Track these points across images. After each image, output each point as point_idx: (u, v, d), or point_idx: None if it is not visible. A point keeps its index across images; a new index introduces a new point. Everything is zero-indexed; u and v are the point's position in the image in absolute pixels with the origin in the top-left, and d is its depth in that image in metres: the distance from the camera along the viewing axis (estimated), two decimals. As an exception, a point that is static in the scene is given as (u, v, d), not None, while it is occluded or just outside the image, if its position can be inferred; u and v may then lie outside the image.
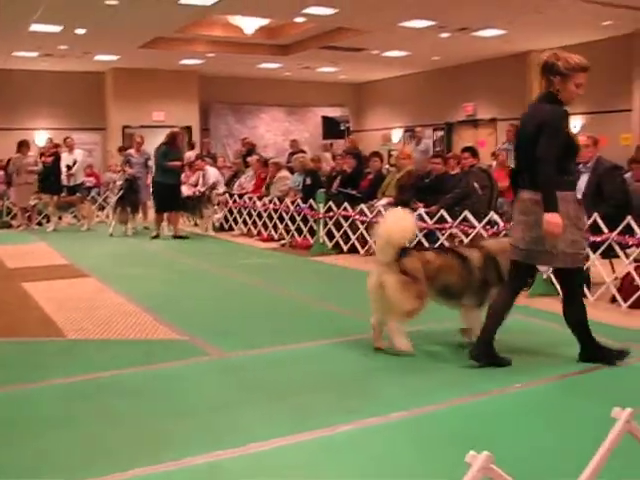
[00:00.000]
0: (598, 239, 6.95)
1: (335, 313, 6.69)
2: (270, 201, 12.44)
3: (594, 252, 6.98)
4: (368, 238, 10.24)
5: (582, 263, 4.69)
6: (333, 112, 23.68)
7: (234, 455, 3.35)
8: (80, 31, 15.19)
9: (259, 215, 12.84)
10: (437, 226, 9.01)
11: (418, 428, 3.73)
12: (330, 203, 10.81)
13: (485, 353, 4.70)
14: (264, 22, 15.67)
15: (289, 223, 11.86)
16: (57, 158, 14.96)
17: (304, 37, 17.09)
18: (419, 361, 4.95)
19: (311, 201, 11.21)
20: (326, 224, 10.89)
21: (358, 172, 11.70)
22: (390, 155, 20.08)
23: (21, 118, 20.42)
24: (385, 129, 23.86)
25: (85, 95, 20.97)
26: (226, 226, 14.07)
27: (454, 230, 8.81)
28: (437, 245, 8.36)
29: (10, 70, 19.85)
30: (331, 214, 10.74)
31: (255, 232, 12.99)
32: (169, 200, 12.54)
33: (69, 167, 14.80)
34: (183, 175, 15.40)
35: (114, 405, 4.14)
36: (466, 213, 8.61)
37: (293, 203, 11.75)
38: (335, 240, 10.81)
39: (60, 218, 14.84)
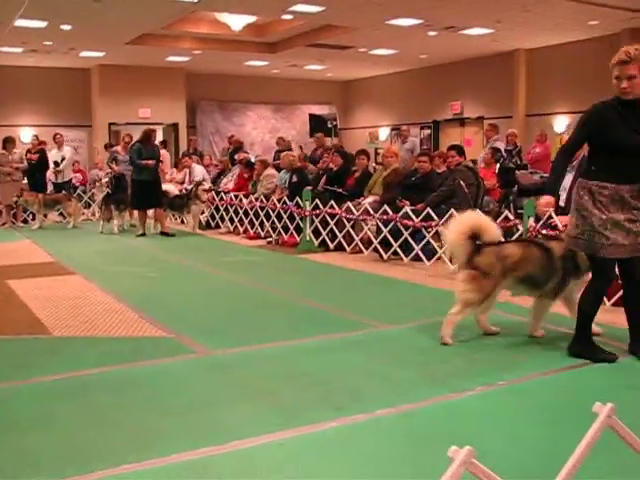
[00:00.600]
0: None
1: (321, 310, 6.69)
2: (257, 199, 12.44)
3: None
4: (354, 235, 10.26)
5: (591, 250, 4.73)
6: (320, 110, 23.70)
7: (220, 453, 3.36)
8: (65, 27, 15.12)
9: (245, 213, 12.83)
10: (423, 224, 9.03)
11: (404, 425, 3.74)
12: (316, 201, 10.82)
13: (586, 349, 4.84)
14: (251, 19, 15.64)
15: (275, 221, 11.86)
16: (43, 155, 14.89)
17: (291, 34, 17.09)
18: (404, 358, 4.97)
19: (297, 199, 11.21)
20: (312, 222, 10.90)
21: (344, 170, 11.70)
22: (377, 153, 20.15)
23: (6, 114, 20.31)
24: (372, 127, 23.92)
25: (71, 92, 20.88)
26: (213, 224, 14.06)
27: (440, 228, 8.83)
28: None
29: (-6, 65, 19.77)
30: (317, 212, 10.75)
31: (242, 230, 12.99)
32: (148, 197, 12.55)
33: (57, 164, 14.73)
34: (169, 173, 15.40)
35: (100, 403, 4.13)
36: (452, 211, 8.63)
37: (280, 201, 11.75)
38: (321, 238, 10.82)
39: (46, 216, 14.76)
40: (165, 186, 13.65)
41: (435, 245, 9.05)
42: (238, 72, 21.96)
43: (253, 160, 14.56)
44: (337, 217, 10.48)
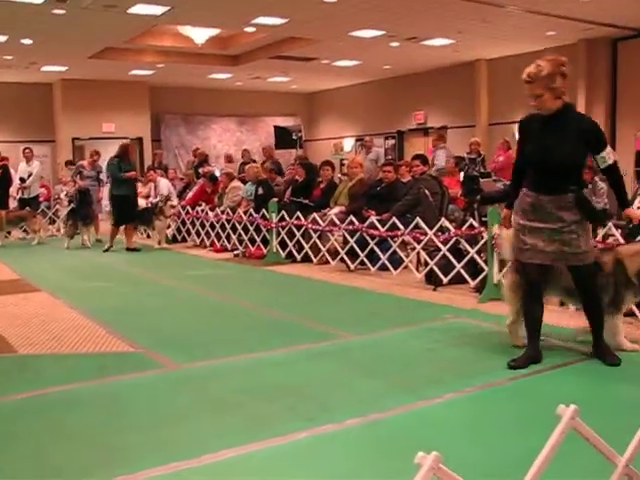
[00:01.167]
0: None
1: (289, 321, 6.70)
2: (222, 211, 12.42)
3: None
4: (321, 246, 10.30)
5: (514, 253, 5.03)
6: (285, 122, 23.73)
7: (190, 467, 3.35)
8: (26, 41, 14.99)
9: (212, 226, 12.80)
10: (389, 233, 9.09)
11: (373, 434, 3.77)
12: (283, 212, 10.84)
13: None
14: (214, 32, 15.65)
15: (242, 233, 11.85)
16: (5, 171, 14.71)
17: (254, 47, 17.12)
18: (372, 367, 5.00)
19: (264, 211, 11.22)
20: (279, 234, 10.91)
21: (310, 181, 11.74)
22: (342, 164, 20.23)
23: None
24: (337, 138, 24.03)
25: (33, 106, 20.67)
26: (179, 237, 14.00)
27: (406, 237, 8.91)
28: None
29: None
30: (284, 223, 10.77)
31: (208, 243, 12.95)
32: (127, 212, 12.48)
33: (23, 180, 14.57)
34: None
35: (67, 420, 4.09)
36: (418, 220, 8.71)
37: (246, 213, 11.74)
38: (288, 249, 10.84)
39: (9, 233, 14.58)
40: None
41: (401, 254, 9.12)
42: (202, 85, 21.94)
43: (218, 173, 14.55)
44: (303, 228, 10.50)
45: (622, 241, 6.48)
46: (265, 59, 17.61)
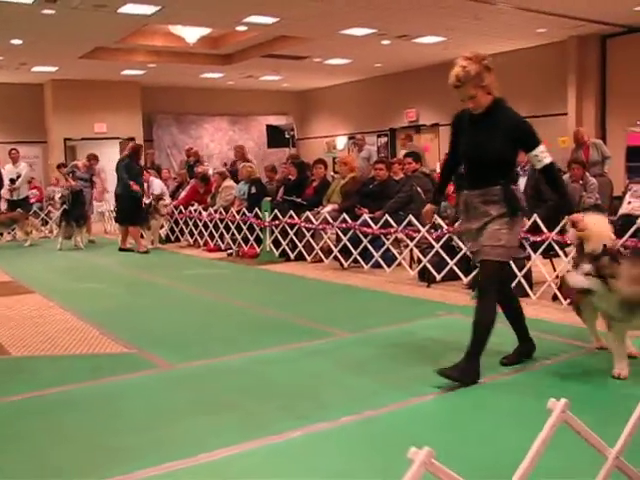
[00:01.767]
0: (538, 239, 7.15)
1: (282, 320, 6.72)
2: (216, 211, 12.42)
3: (535, 252, 7.18)
4: (314, 245, 10.31)
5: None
6: (277, 120, 23.71)
7: (185, 466, 3.36)
8: (16, 41, 14.94)
9: (205, 225, 12.81)
10: (382, 231, 9.11)
11: (367, 431, 3.78)
12: (276, 211, 10.85)
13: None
14: (205, 31, 15.63)
15: (235, 232, 11.86)
16: (-1, 173, 14.71)
17: (246, 46, 17.10)
18: (366, 365, 5.01)
19: (257, 210, 11.22)
20: (272, 232, 10.92)
21: (302, 180, 11.75)
22: (335, 162, 20.23)
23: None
24: (330, 136, 24.02)
25: (24, 107, 20.59)
26: (172, 237, 13.99)
27: (399, 235, 8.93)
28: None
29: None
30: (277, 222, 10.78)
31: (202, 243, 12.95)
32: (132, 212, 12.45)
33: (13, 181, 14.53)
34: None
35: (63, 421, 4.10)
36: (410, 217, 8.73)
37: (239, 212, 11.75)
38: (282, 248, 10.85)
39: (1, 235, 14.54)
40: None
41: (394, 251, 9.14)
42: (194, 84, 21.90)
43: (211, 172, 14.55)
44: (297, 227, 10.52)
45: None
46: (257, 58, 17.59)
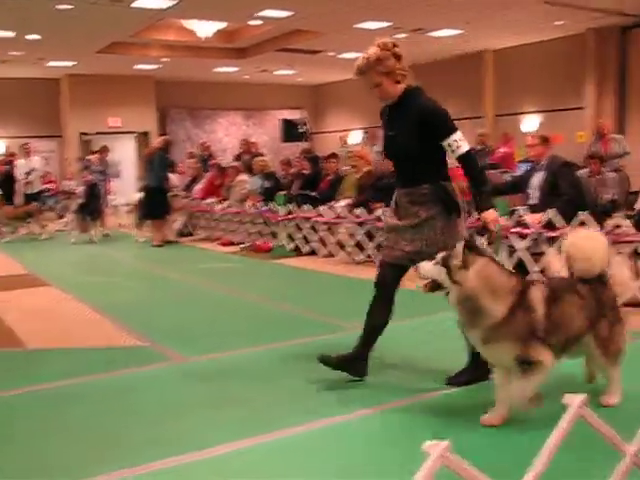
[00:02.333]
0: (554, 234, 7.09)
1: (295, 314, 6.71)
2: (230, 205, 12.43)
3: (551, 246, 7.13)
4: (328, 239, 10.29)
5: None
6: (291, 115, 23.71)
7: (193, 460, 3.37)
8: (33, 37, 15.00)
9: (219, 219, 12.82)
10: (396, 226, 9.06)
11: (380, 424, 3.77)
12: (290, 205, 10.83)
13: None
14: (220, 25, 15.61)
15: (249, 226, 11.86)
16: (12, 167, 14.77)
17: (261, 40, 17.08)
18: (380, 358, 4.98)
19: (271, 204, 11.22)
20: (286, 227, 10.91)
21: (316, 174, 11.73)
22: (349, 156, 20.18)
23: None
24: (344, 130, 23.96)
25: (41, 102, 20.68)
26: (186, 231, 14.01)
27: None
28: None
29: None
30: (291, 216, 10.77)
31: (216, 237, 12.96)
32: (160, 205, 12.46)
33: (27, 174, 14.58)
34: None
35: (74, 414, 4.11)
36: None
37: (253, 206, 11.74)
38: (295, 242, 10.84)
39: (17, 228, 14.58)
40: (138, 194, 13.57)
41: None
42: (208, 79, 21.91)
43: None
44: (311, 221, 10.50)
45: (633, 231, 6.45)
46: (271, 52, 17.57)
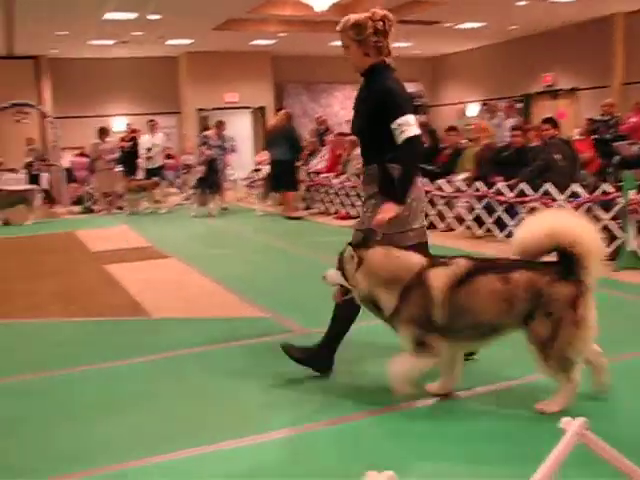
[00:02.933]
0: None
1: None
2: (347, 179, 12.41)
3: None
4: (447, 213, 10.11)
5: None
6: (407, 87, 23.34)
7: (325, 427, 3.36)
8: (154, 17, 15.37)
9: (336, 193, 12.83)
10: (517, 200, 8.80)
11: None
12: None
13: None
14: (336, -1, 15.51)
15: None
16: (135, 143, 15.27)
17: (375, 12, 16.84)
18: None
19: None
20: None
21: (434, 147, 11.52)
22: (467, 129, 19.77)
23: (100, 105, 20.87)
24: (461, 103, 23.46)
25: (161, 80, 21.26)
26: (303, 205, 14.09)
27: (535, 204, 8.59)
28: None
29: (86, 59, 20.32)
30: (408, 190, 10.62)
31: (332, 210, 12.98)
32: (290, 178, 12.66)
33: (149, 149, 15.02)
34: (257, 156, 15.58)
35: (196, 381, 4.21)
36: (547, 186, 8.38)
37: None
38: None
39: (138, 202, 15.07)
40: (263, 168, 13.78)
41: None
42: (324, 53, 21.84)
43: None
44: (428, 195, 10.34)
45: None
46: (387, 24, 17.32)
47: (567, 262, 3.42)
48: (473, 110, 22.91)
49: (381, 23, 4.06)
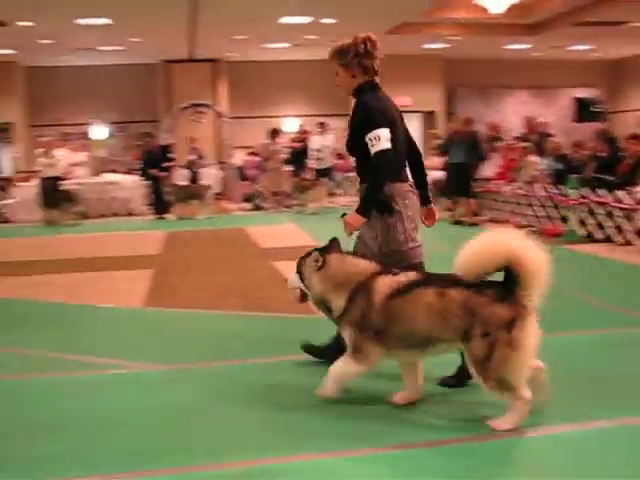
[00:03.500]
0: None
1: (585, 303, 6.33)
2: (519, 187, 12.02)
3: None
4: (625, 226, 9.54)
5: None
6: (584, 93, 22.38)
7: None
8: (328, 20, 15.58)
9: (506, 201, 12.46)
10: None
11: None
12: (582, 189, 10.21)
13: None
14: (513, 0, 15.04)
15: (538, 209, 11.37)
16: (305, 144, 15.56)
17: (555, 14, 16.19)
18: None
19: (561, 187, 10.67)
20: (578, 211, 10.30)
21: (614, 157, 10.91)
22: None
23: (271, 106, 21.48)
24: (643, 110, 22.15)
25: (331, 82, 21.43)
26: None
27: None
28: None
29: (260, 61, 20.95)
30: (584, 201, 10.14)
31: (502, 218, 12.58)
32: (469, 183, 12.41)
33: (318, 150, 15.24)
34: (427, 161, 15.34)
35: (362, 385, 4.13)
36: None
37: (542, 189, 11.24)
38: (588, 228, 10.19)
39: (306, 201, 15.30)
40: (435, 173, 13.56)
41: None
42: (498, 56, 21.34)
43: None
44: (606, 206, 9.80)
45: None
46: (567, 26, 16.60)
47: (510, 283, 3.45)
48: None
49: (362, 46, 4.26)
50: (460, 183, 12.28)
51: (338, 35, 15.51)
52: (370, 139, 3.99)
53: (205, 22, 15.12)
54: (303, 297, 3.98)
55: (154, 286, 7.55)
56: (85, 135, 21.69)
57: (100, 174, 17.87)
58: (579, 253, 9.30)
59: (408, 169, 4.30)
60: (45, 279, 8.23)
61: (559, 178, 11.14)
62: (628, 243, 9.50)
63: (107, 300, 6.87)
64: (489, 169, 13.72)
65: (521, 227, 11.68)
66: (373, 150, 3.99)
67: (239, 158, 18.26)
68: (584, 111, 18.12)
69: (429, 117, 21.78)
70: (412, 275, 3.70)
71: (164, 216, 14.58)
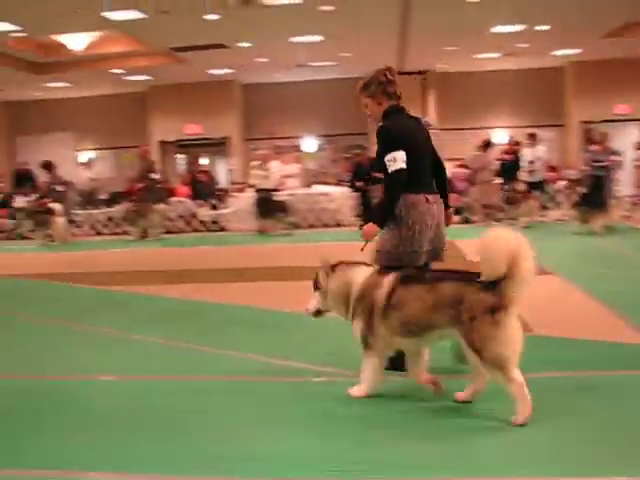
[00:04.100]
0: None
1: None
2: None
3: None
4: None
5: None
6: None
7: None
8: (542, 27, 15.14)
9: None
10: None
11: None
12: None
13: None
14: None
15: None
16: (517, 156, 15.10)
17: None
18: None
19: None
20: None
21: None
22: None
23: (479, 117, 21.17)
24: None
25: (543, 91, 20.83)
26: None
27: None
28: None
29: (469, 72, 20.74)
30: None
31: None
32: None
33: (531, 162, 14.74)
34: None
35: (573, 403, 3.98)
36: None
37: None
38: None
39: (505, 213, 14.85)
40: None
41: None
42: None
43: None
44: None
45: None
46: None
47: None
48: None
49: (383, 75, 4.68)
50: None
51: (551, 41, 15.24)
52: (388, 160, 4.44)
53: (416, 35, 15.26)
54: (318, 312, 4.54)
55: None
56: (297, 148, 22.58)
57: (311, 186, 18.51)
58: None
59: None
60: (259, 286, 8.63)
61: None
62: None
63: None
64: None
65: None
66: (390, 169, 4.44)
67: (448, 170, 18.11)
68: None
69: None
70: (408, 271, 4.28)
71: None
